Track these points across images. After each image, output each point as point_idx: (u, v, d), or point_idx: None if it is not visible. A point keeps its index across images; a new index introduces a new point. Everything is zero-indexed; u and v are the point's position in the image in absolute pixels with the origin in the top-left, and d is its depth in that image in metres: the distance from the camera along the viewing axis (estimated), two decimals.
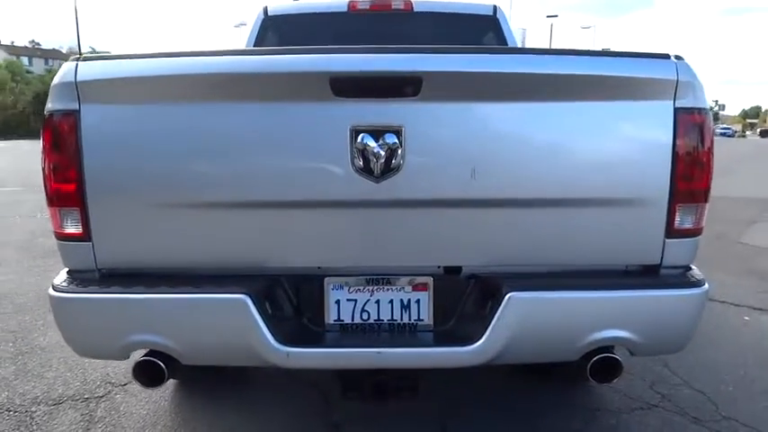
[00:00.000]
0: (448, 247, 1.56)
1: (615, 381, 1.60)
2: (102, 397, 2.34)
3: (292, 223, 1.53)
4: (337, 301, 1.61)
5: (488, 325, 1.47)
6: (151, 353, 1.52)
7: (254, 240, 1.55)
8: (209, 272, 1.57)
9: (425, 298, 1.61)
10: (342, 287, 1.61)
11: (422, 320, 1.61)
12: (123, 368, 2.51)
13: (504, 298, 1.47)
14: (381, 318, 1.61)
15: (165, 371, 1.51)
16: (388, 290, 1.61)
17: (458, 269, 1.63)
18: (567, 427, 2.14)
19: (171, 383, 2.38)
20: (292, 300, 1.63)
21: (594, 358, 1.53)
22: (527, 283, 1.51)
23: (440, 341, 1.59)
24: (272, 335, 1.48)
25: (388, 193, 1.47)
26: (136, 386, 2.29)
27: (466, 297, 1.63)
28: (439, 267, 1.62)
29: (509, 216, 1.53)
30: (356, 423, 2.15)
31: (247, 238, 1.54)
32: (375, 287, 1.61)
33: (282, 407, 2.27)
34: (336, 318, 1.61)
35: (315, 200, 1.50)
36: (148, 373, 1.52)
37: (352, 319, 1.61)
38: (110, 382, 2.45)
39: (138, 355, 1.55)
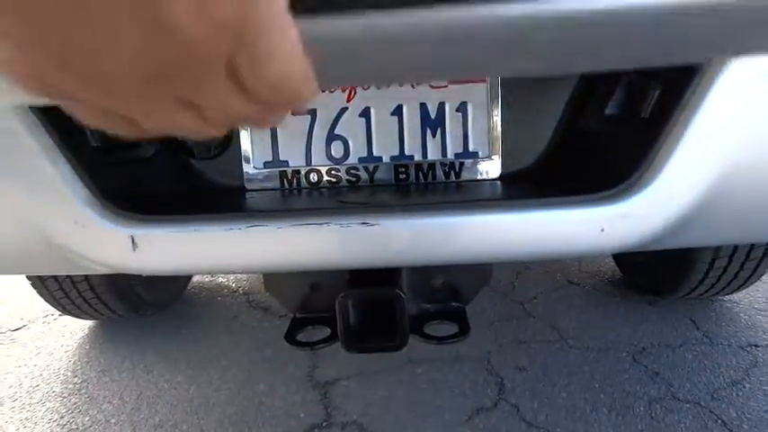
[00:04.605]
0: None
1: None
2: None
3: None
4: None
5: (658, 145, 0.52)
6: None
7: None
8: None
9: (479, 97, 0.66)
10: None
11: (471, 153, 0.68)
12: None
13: (701, 72, 0.48)
14: (375, 153, 0.69)
15: None
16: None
17: None
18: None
19: None
20: None
21: None
22: None
23: (520, 193, 0.65)
24: (93, 191, 0.56)
25: None
26: None
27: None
28: None
29: None
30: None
31: None
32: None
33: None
34: (270, 158, 0.70)
35: None
36: None
37: (307, 160, 0.69)
38: None
39: None
